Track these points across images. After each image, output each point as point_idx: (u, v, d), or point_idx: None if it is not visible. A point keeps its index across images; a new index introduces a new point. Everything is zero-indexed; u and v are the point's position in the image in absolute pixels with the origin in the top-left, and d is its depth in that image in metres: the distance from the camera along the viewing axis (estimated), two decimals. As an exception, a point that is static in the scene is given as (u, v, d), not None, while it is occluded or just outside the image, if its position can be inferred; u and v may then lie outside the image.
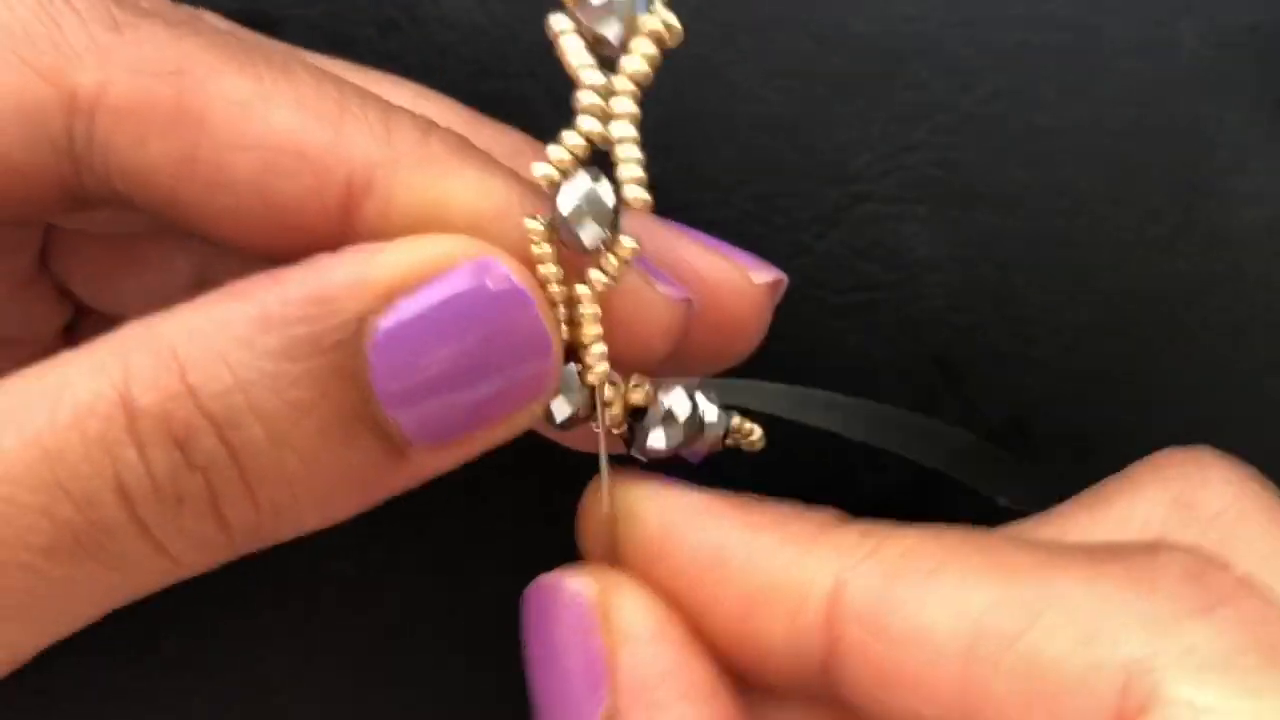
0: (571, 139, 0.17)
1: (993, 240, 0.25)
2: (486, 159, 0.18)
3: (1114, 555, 0.16)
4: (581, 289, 0.18)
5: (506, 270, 0.17)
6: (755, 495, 0.19)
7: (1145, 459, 0.20)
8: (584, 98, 0.17)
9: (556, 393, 0.18)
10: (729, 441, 0.20)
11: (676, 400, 0.19)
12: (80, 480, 0.15)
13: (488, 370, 0.17)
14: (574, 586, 0.18)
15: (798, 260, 0.26)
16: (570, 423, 0.19)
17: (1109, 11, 0.25)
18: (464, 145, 0.18)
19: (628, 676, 0.17)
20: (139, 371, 0.16)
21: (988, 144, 0.25)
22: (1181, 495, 0.18)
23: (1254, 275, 0.26)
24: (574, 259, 0.18)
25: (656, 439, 0.19)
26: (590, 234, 0.17)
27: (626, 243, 0.18)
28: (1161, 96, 0.25)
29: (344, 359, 0.16)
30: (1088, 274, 0.25)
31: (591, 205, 0.17)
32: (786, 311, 0.22)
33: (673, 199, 0.21)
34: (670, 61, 0.23)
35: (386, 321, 0.16)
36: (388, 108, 0.18)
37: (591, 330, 0.18)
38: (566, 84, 0.26)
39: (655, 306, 0.19)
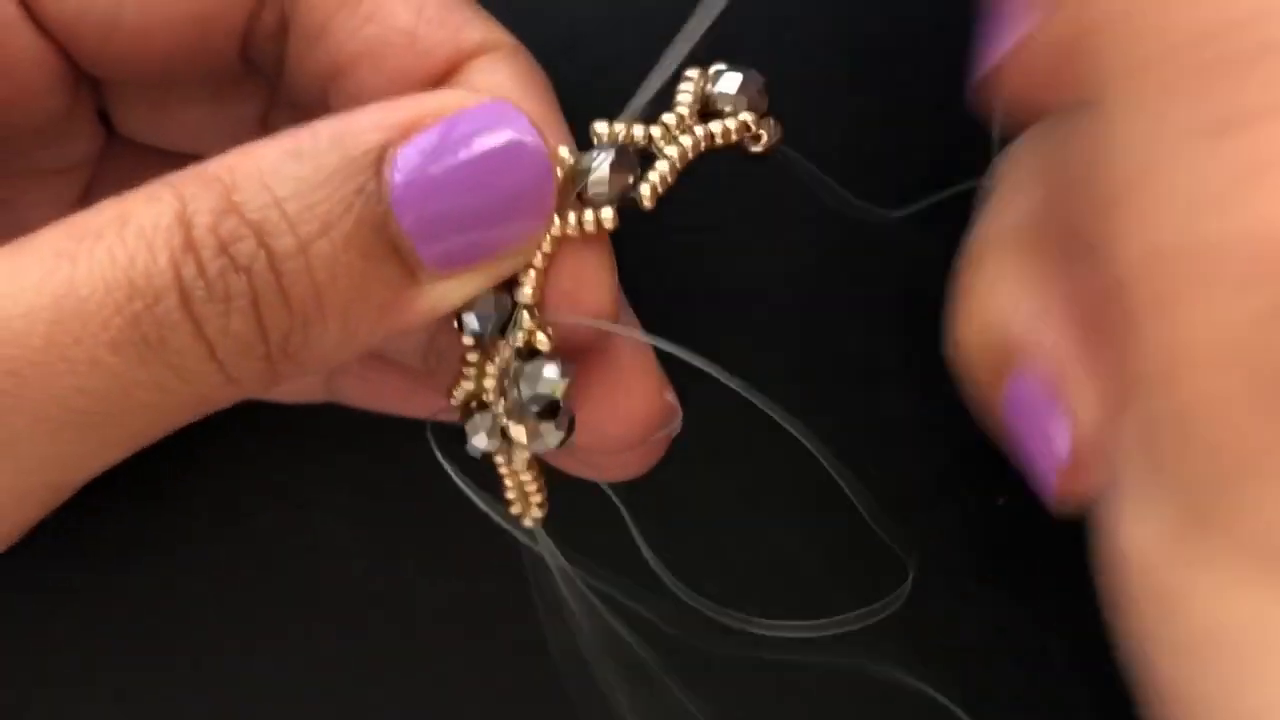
0: (637, 128, 0.20)
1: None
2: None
3: None
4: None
5: (517, 113, 0.19)
6: None
7: None
8: (668, 116, 0.21)
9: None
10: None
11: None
12: (149, 279, 0.17)
13: (491, 200, 0.19)
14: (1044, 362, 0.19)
15: (798, 260, 0.26)
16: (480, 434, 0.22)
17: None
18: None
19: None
20: (192, 196, 0.18)
21: (987, 144, 0.25)
22: None
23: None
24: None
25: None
26: (601, 191, 0.20)
27: (607, 213, 0.20)
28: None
29: (366, 181, 0.18)
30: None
31: (617, 173, 0.20)
32: (787, 311, 0.22)
33: (673, 199, 0.21)
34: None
35: (405, 150, 0.18)
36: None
37: (538, 256, 0.20)
38: (567, 85, 0.26)
39: (596, 285, 0.21)
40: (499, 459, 0.23)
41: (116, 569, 0.29)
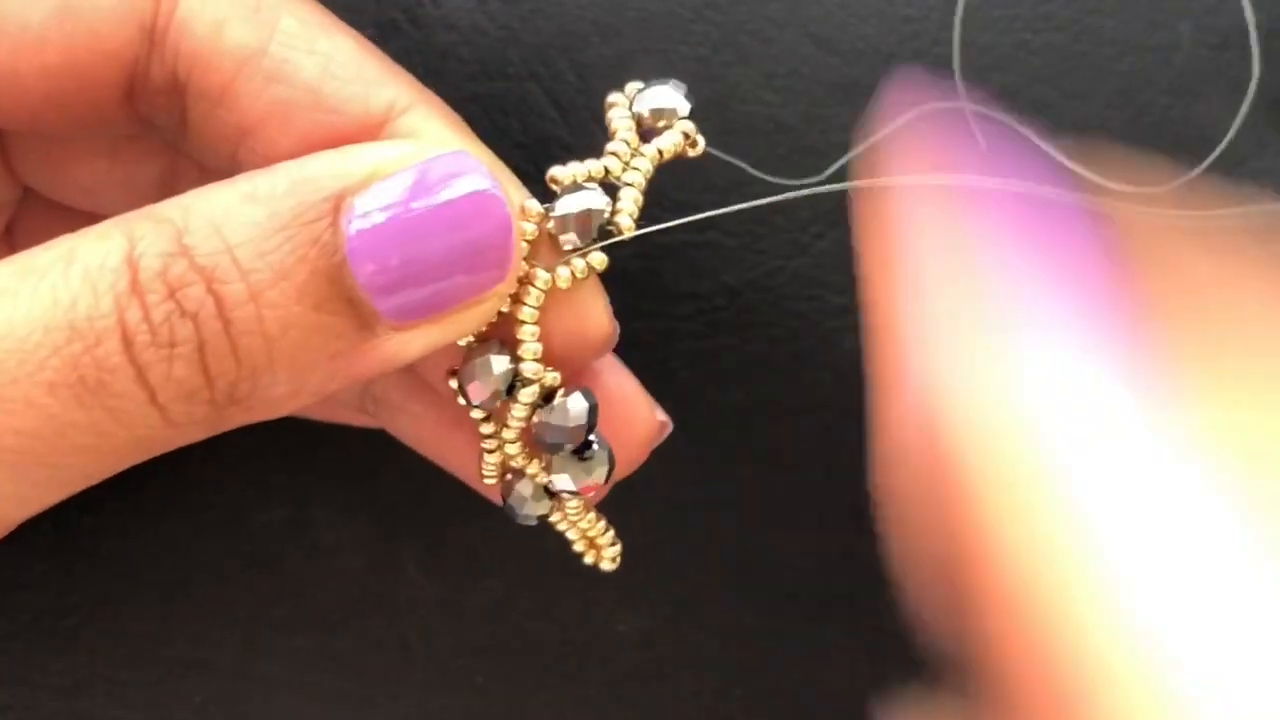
0: (592, 165, 0.20)
1: (992, 240, 0.25)
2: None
3: None
4: (543, 275, 0.20)
5: (477, 163, 0.19)
6: None
7: None
8: (613, 145, 0.21)
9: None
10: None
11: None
12: (90, 322, 0.17)
13: (449, 250, 0.18)
14: None
15: (798, 260, 0.26)
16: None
17: (1108, 12, 0.26)
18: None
19: None
20: (141, 237, 0.18)
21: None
22: None
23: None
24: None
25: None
26: (574, 236, 0.20)
27: (598, 257, 0.20)
28: (1161, 96, 0.25)
29: (322, 230, 0.18)
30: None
31: (585, 214, 0.20)
32: (787, 311, 0.22)
33: (673, 199, 0.21)
34: (673, 64, 0.23)
35: (363, 199, 0.18)
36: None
37: (530, 314, 0.20)
38: (566, 86, 0.26)
39: (597, 319, 0.21)
40: (555, 518, 0.23)
41: (116, 569, 0.29)
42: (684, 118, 0.21)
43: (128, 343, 0.17)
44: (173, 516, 0.29)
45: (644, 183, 0.21)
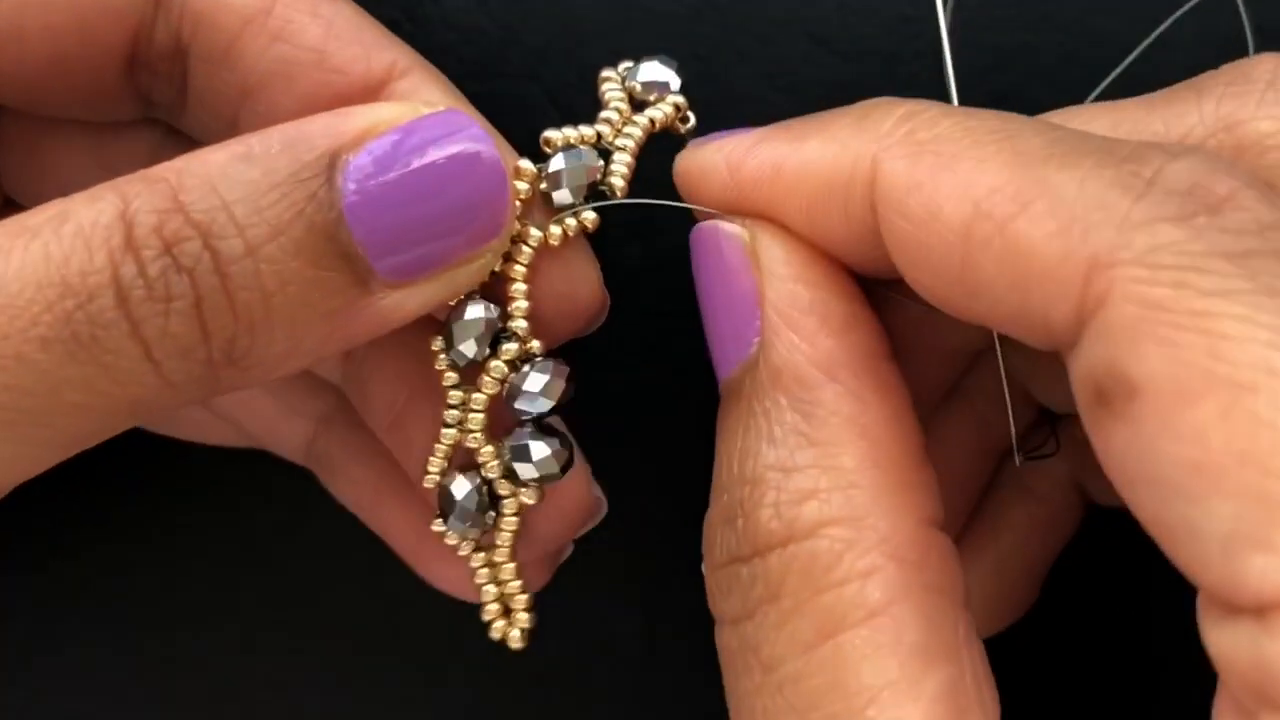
0: (585, 129, 0.21)
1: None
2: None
3: (1127, 155, 0.16)
4: (535, 233, 0.21)
5: (470, 121, 0.19)
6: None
7: (1231, 65, 0.20)
8: (606, 113, 0.21)
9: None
10: None
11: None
12: (83, 277, 0.17)
13: (444, 208, 0.19)
14: (728, 229, 0.20)
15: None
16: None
17: (1108, 12, 0.26)
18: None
19: (773, 311, 0.19)
20: (136, 195, 0.18)
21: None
22: (1238, 110, 0.19)
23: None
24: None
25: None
26: (567, 194, 0.20)
27: (589, 215, 0.21)
28: (1161, 97, 0.25)
29: (318, 186, 0.18)
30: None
31: (577, 171, 0.21)
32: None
33: (673, 199, 0.21)
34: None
35: (358, 155, 0.18)
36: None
37: (521, 271, 0.21)
38: (566, 85, 0.26)
39: (588, 282, 0.21)
40: (476, 562, 0.22)
41: (117, 569, 0.29)
42: (675, 92, 0.22)
43: (122, 298, 0.17)
44: (173, 516, 0.29)
45: (636, 148, 0.21)
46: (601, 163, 0.21)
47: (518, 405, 0.21)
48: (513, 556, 0.22)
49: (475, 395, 0.21)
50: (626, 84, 0.22)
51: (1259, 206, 0.15)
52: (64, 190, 0.23)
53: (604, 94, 0.22)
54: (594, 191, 0.21)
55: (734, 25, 0.26)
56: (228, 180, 0.18)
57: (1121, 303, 0.15)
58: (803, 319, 0.19)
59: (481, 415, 0.21)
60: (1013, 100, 0.25)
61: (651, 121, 0.21)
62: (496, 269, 0.20)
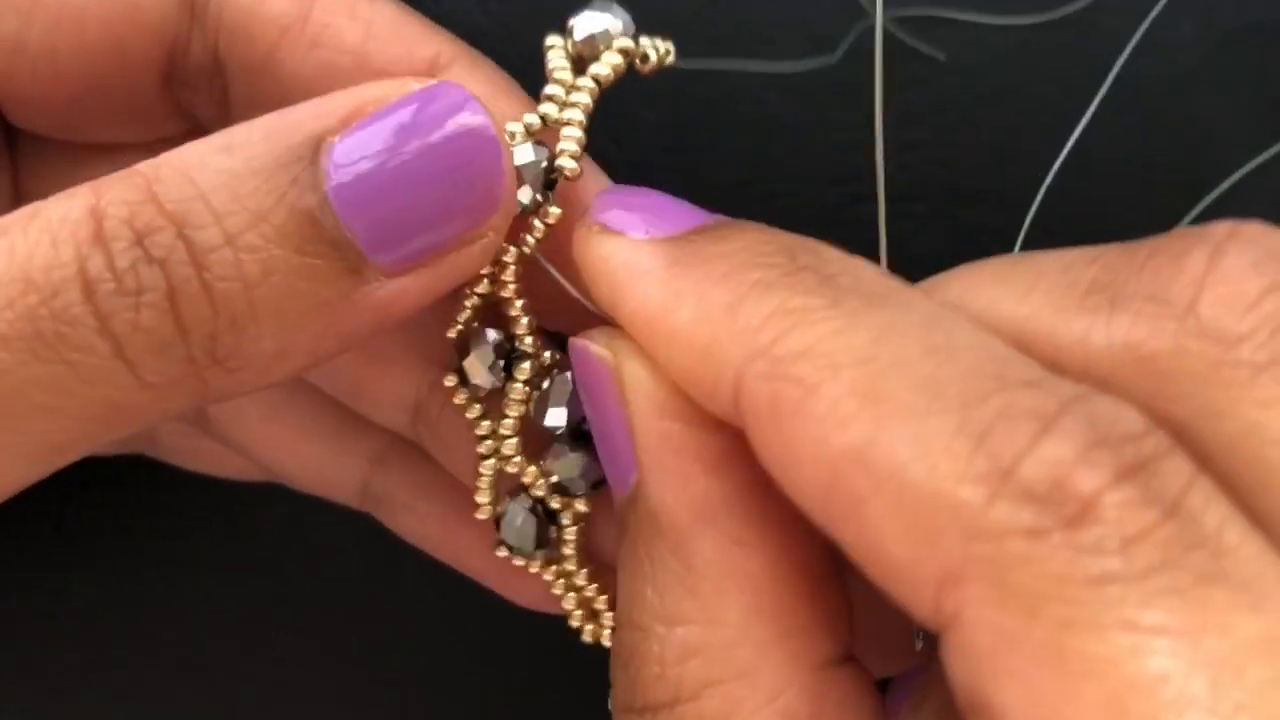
0: (529, 118, 0.20)
1: (993, 240, 0.25)
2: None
3: (993, 418, 0.14)
4: (511, 250, 0.20)
5: (464, 95, 0.18)
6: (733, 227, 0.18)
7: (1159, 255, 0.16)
8: (548, 88, 0.20)
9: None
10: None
11: None
12: (47, 272, 0.16)
13: (439, 187, 0.18)
14: (596, 351, 0.19)
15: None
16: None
17: (1109, 11, 0.26)
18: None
19: (643, 450, 0.18)
20: (108, 189, 0.17)
21: (988, 144, 0.25)
22: (1149, 339, 0.16)
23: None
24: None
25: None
26: (524, 194, 0.19)
27: (554, 210, 0.20)
28: (1161, 96, 0.25)
29: (301, 171, 0.17)
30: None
31: (528, 168, 0.19)
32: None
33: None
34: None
35: (343, 137, 0.17)
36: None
37: (514, 289, 0.20)
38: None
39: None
40: (548, 577, 0.22)
41: (117, 568, 0.29)
42: (622, 34, 0.20)
43: (89, 292, 0.16)
44: (172, 516, 0.29)
45: (583, 118, 0.20)
46: (545, 152, 0.20)
47: (547, 424, 0.21)
48: (583, 563, 0.22)
49: (504, 420, 0.21)
50: (570, 47, 0.20)
51: (1124, 514, 0.13)
52: None
53: (548, 69, 0.20)
54: (550, 180, 0.20)
55: (734, 25, 0.26)
56: (205, 170, 0.17)
57: (974, 628, 0.14)
58: (674, 459, 0.17)
59: (515, 440, 0.21)
60: (1013, 99, 0.25)
61: (597, 81, 0.20)
62: (484, 291, 0.20)
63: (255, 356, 0.17)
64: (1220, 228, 0.16)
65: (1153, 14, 0.23)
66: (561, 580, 0.22)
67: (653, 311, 0.18)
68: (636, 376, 0.18)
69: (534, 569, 0.22)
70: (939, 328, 0.16)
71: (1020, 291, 0.17)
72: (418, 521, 0.25)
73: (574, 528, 0.22)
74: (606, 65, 0.20)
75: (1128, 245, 0.17)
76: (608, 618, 0.22)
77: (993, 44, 0.26)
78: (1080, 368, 0.16)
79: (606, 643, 0.22)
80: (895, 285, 0.17)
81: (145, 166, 0.17)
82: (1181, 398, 0.15)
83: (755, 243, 0.18)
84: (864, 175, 0.25)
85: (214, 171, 0.17)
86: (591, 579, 0.22)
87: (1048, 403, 0.14)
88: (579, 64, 0.20)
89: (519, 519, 0.22)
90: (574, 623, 0.23)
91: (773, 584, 0.17)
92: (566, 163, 0.20)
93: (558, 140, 0.20)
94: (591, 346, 0.19)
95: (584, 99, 0.20)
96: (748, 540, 0.17)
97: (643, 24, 0.22)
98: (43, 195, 0.21)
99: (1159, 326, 0.16)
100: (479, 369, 0.20)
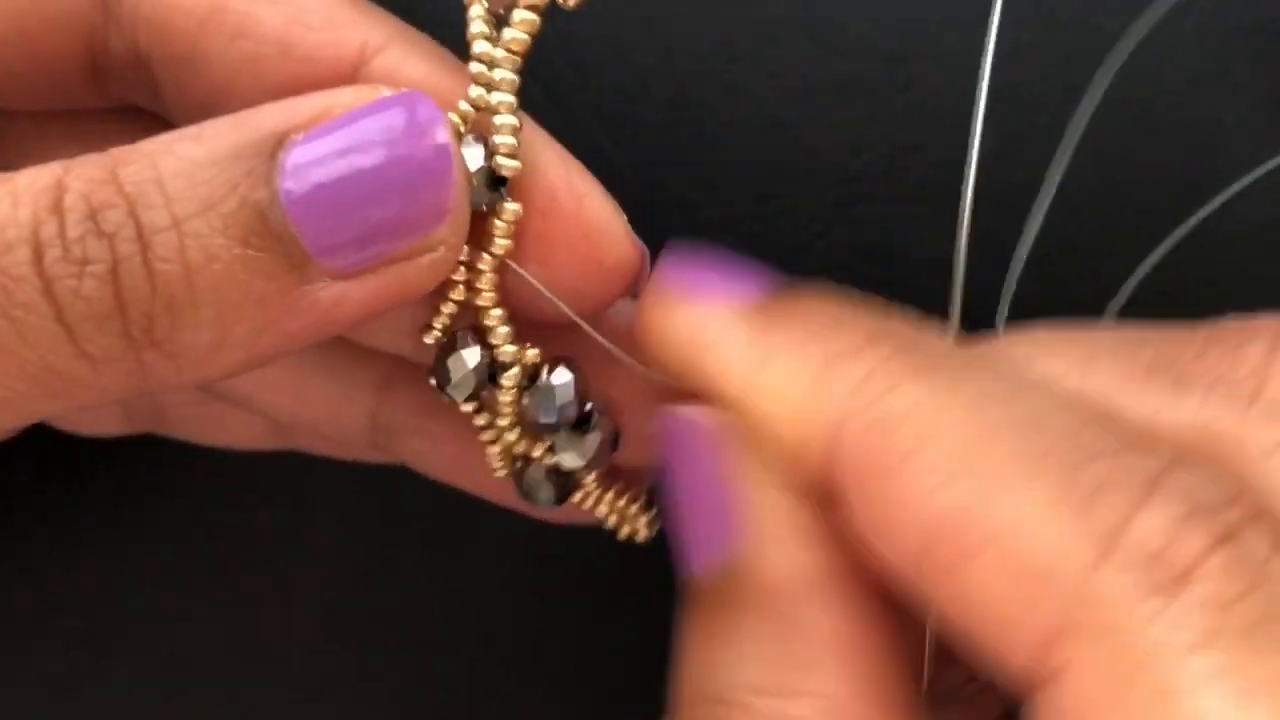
0: (462, 106, 0.19)
1: (993, 240, 0.25)
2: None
3: (1096, 484, 0.15)
4: (486, 256, 0.20)
5: (425, 103, 0.18)
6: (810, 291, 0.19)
7: (1219, 339, 0.17)
8: (472, 68, 0.19)
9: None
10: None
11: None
12: (2, 230, 0.17)
13: (389, 194, 0.18)
14: (707, 425, 0.19)
15: (798, 260, 0.26)
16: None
17: (1109, 11, 0.26)
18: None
19: (757, 519, 0.18)
20: (77, 166, 0.17)
21: (988, 144, 0.25)
22: (1221, 416, 0.17)
23: (1255, 275, 0.26)
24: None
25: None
26: (483, 194, 0.19)
27: (510, 206, 0.19)
28: (1161, 96, 0.25)
29: (259, 165, 0.17)
30: (1088, 274, 0.25)
31: (477, 173, 0.19)
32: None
33: (673, 199, 0.21)
34: (672, 62, 0.23)
35: (306, 138, 0.18)
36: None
37: (490, 298, 0.20)
38: (566, 86, 0.26)
39: (611, 237, 0.20)
40: (576, 498, 0.22)
41: (117, 568, 0.29)
42: None
43: (38, 255, 0.17)
44: (172, 517, 0.29)
45: (513, 100, 0.19)
46: (483, 152, 0.19)
47: (542, 422, 0.21)
48: (606, 487, 0.22)
49: (498, 420, 0.21)
50: (483, 11, 0.19)
51: (1220, 581, 0.14)
52: None
53: (471, 45, 0.19)
54: (495, 180, 0.19)
55: (734, 25, 0.26)
56: (170, 157, 0.17)
57: (1077, 688, 0.14)
58: (790, 529, 0.18)
59: (515, 430, 0.21)
60: (1013, 99, 0.25)
61: (516, 40, 0.19)
62: (460, 298, 0.20)
63: (192, 344, 0.18)
64: (1272, 322, 0.17)
65: (1153, 14, 0.23)
66: (590, 498, 0.22)
67: (742, 372, 0.18)
68: (746, 447, 0.18)
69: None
70: (1026, 396, 0.16)
71: (1079, 367, 0.18)
72: (430, 445, 0.24)
73: (592, 478, 0.22)
74: (521, 17, 0.19)
75: (1176, 332, 0.18)
76: (642, 520, 0.22)
77: (993, 46, 0.26)
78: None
79: (644, 533, 0.22)
80: (972, 355, 0.18)
81: (120, 150, 0.18)
82: (1249, 475, 0.16)
83: (831, 309, 0.18)
84: (864, 175, 0.25)
85: (177, 158, 0.17)
86: (619, 495, 0.22)
87: (1148, 468, 0.15)
88: (500, 23, 0.19)
89: (540, 475, 0.21)
90: (609, 526, 0.22)
91: (882, 658, 0.17)
92: (505, 162, 0.19)
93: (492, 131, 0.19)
94: (700, 419, 0.19)
95: (508, 75, 0.19)
96: (852, 616, 0.17)
97: (642, 22, 0.22)
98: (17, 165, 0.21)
99: (1228, 409, 0.17)
100: (465, 392, 0.20)
